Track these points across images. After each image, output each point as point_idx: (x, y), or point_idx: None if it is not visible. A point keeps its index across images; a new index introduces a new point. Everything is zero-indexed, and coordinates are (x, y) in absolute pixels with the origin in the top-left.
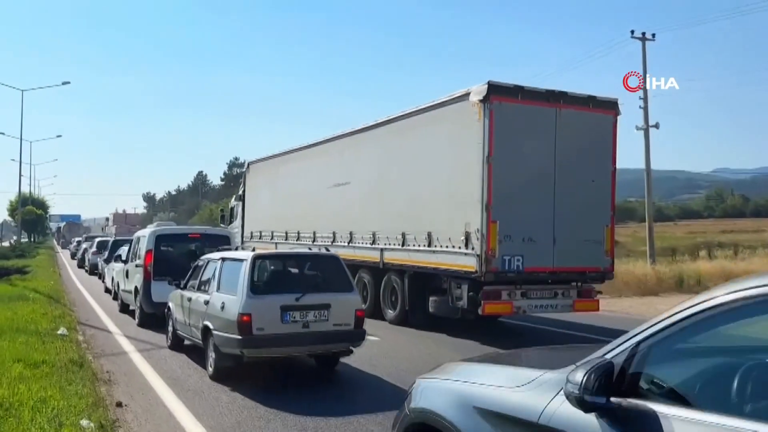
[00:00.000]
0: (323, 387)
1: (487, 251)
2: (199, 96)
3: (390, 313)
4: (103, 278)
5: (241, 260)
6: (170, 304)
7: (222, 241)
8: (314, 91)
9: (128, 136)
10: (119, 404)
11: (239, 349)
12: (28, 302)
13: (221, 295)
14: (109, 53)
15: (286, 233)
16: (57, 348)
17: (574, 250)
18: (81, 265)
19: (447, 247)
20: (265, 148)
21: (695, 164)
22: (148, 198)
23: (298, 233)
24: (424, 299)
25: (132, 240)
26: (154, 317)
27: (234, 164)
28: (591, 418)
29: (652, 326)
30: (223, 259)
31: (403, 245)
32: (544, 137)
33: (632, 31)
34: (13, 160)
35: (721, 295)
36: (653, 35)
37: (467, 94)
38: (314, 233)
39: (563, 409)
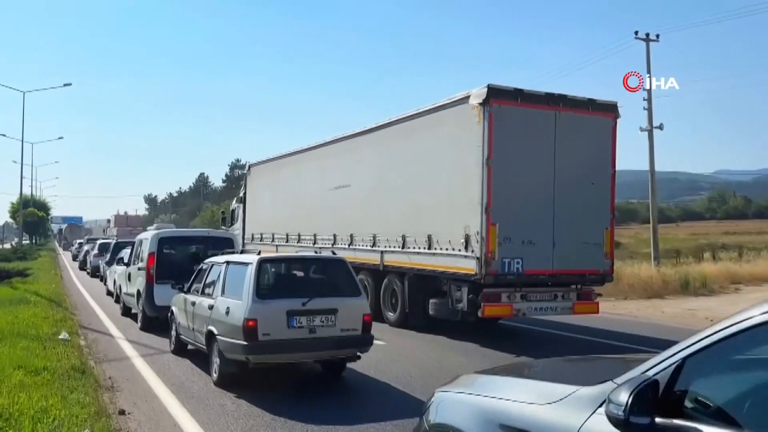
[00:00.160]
0: (330, 393)
1: (487, 254)
2: (200, 98)
3: (390, 316)
4: (105, 281)
5: (247, 264)
6: (173, 308)
7: (225, 244)
8: (315, 93)
9: (130, 138)
10: (122, 412)
11: (244, 355)
12: (30, 306)
13: (226, 299)
14: (111, 55)
15: (287, 235)
16: (58, 354)
17: (574, 252)
18: (83, 267)
19: (447, 249)
20: (266, 149)
21: (697, 165)
22: (150, 200)
23: (299, 235)
24: (424, 302)
25: (134, 242)
26: (157, 321)
27: (235, 166)
28: None
29: (697, 342)
30: (228, 263)
31: (403, 248)
32: (543, 140)
33: (636, 32)
34: (14, 162)
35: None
36: (657, 36)
37: (467, 97)
38: (315, 235)
39: (601, 429)
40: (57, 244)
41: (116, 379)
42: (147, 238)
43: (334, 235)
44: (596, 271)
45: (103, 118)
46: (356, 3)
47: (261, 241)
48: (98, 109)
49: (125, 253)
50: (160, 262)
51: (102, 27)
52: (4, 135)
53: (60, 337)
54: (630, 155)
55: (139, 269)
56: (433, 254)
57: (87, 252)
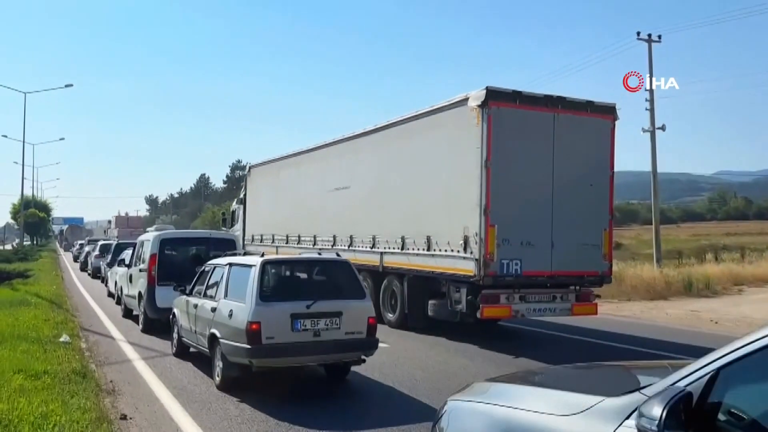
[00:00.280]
0: (334, 397)
1: (486, 255)
2: (201, 99)
3: (389, 317)
4: (106, 282)
5: (250, 266)
6: (175, 311)
7: (228, 246)
8: (317, 94)
9: (131, 139)
10: (124, 417)
11: (248, 358)
12: (30, 308)
13: (229, 301)
14: (112, 56)
15: (287, 237)
16: (59, 357)
17: (573, 254)
18: (84, 269)
19: (446, 250)
20: (267, 150)
21: (697, 166)
22: (151, 201)
23: (299, 237)
24: (423, 303)
25: (135, 244)
26: (159, 323)
27: (236, 167)
28: None
29: (732, 351)
30: (231, 265)
31: (402, 249)
32: (542, 142)
33: (638, 33)
34: (15, 162)
35: None
36: (659, 37)
37: (466, 99)
38: (315, 237)
39: None
40: (58, 245)
41: (117, 382)
42: (148, 239)
43: (334, 237)
44: (595, 272)
45: (104, 118)
46: (357, 4)
47: (261, 242)
48: (99, 109)
49: (126, 255)
50: (161, 263)
51: (103, 28)
52: (6, 136)
53: (61, 339)
54: (630, 156)
55: (140, 271)
56: (432, 255)
57: (88, 253)
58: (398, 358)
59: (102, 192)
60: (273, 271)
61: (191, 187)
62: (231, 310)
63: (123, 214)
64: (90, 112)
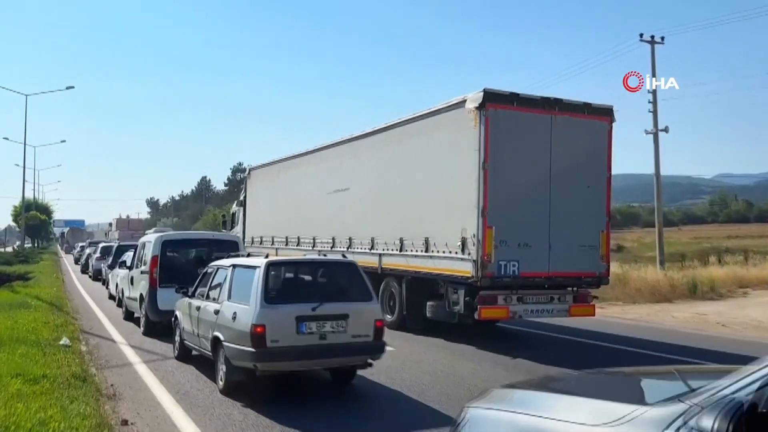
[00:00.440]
0: (340, 402)
1: (483, 256)
2: (202, 101)
3: (388, 318)
4: (107, 284)
5: (254, 267)
6: (177, 313)
7: (230, 247)
8: (317, 95)
9: (132, 142)
10: (125, 422)
11: (252, 362)
12: (30, 310)
13: (232, 304)
14: (113, 58)
15: (287, 238)
16: (59, 360)
17: (570, 255)
18: (84, 271)
19: (444, 252)
20: (268, 152)
21: (698, 169)
22: (152, 203)
23: (299, 238)
24: (421, 304)
25: (137, 245)
26: (160, 326)
27: (237, 169)
28: None
29: None
30: (234, 266)
31: (401, 251)
32: (539, 144)
33: (641, 35)
34: (17, 165)
35: None
36: (662, 38)
37: (463, 102)
38: (314, 238)
39: None
40: (59, 248)
41: (118, 386)
42: (150, 240)
43: (333, 238)
44: (592, 273)
45: (105, 120)
46: (358, 4)
47: (261, 244)
48: (100, 111)
49: (128, 257)
50: (163, 265)
51: (104, 30)
52: (7, 138)
53: (61, 342)
54: (631, 159)
55: (141, 273)
56: (431, 257)
57: (89, 255)
58: (404, 362)
59: (103, 194)
60: (278, 272)
61: (192, 190)
62: (235, 313)
63: (124, 217)
64: (91, 114)
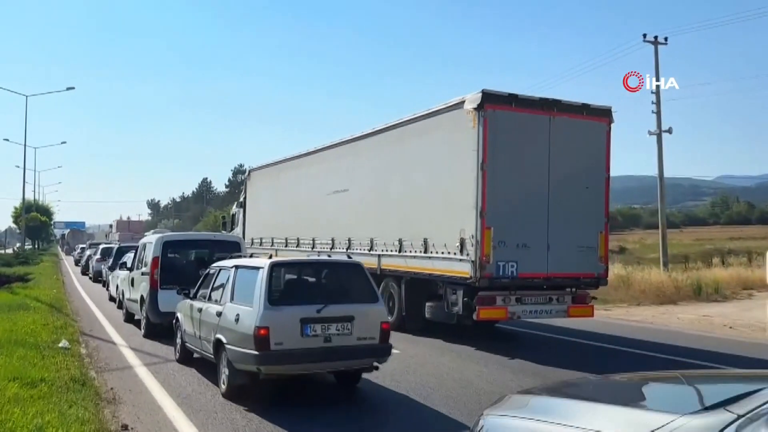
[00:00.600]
0: (346, 407)
1: (482, 257)
2: (203, 101)
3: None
4: (108, 286)
5: (257, 268)
6: (178, 315)
7: (232, 248)
8: (318, 96)
9: (133, 143)
10: (125, 427)
11: (256, 365)
12: (29, 312)
13: (235, 306)
14: (114, 59)
15: (286, 240)
16: (57, 363)
17: (568, 256)
18: (85, 272)
19: (442, 253)
20: (269, 153)
21: (699, 170)
22: (153, 205)
23: (298, 239)
24: (420, 305)
25: (137, 246)
26: (161, 328)
27: (238, 171)
28: None
29: None
30: (237, 267)
31: (400, 251)
32: (538, 144)
33: (644, 35)
34: (17, 166)
35: None
36: (666, 39)
37: (462, 102)
38: (313, 240)
39: None
40: (59, 249)
41: (118, 390)
42: (151, 242)
43: (333, 239)
44: (591, 274)
45: (106, 121)
46: (358, 4)
47: (261, 245)
48: (101, 112)
49: (128, 258)
50: (164, 266)
51: (105, 30)
52: (7, 139)
53: (60, 345)
54: (632, 160)
55: (142, 274)
56: (429, 258)
57: (89, 257)
58: (409, 365)
59: (104, 196)
60: (282, 273)
61: (193, 191)
62: (237, 315)
63: (125, 218)
64: (91, 116)
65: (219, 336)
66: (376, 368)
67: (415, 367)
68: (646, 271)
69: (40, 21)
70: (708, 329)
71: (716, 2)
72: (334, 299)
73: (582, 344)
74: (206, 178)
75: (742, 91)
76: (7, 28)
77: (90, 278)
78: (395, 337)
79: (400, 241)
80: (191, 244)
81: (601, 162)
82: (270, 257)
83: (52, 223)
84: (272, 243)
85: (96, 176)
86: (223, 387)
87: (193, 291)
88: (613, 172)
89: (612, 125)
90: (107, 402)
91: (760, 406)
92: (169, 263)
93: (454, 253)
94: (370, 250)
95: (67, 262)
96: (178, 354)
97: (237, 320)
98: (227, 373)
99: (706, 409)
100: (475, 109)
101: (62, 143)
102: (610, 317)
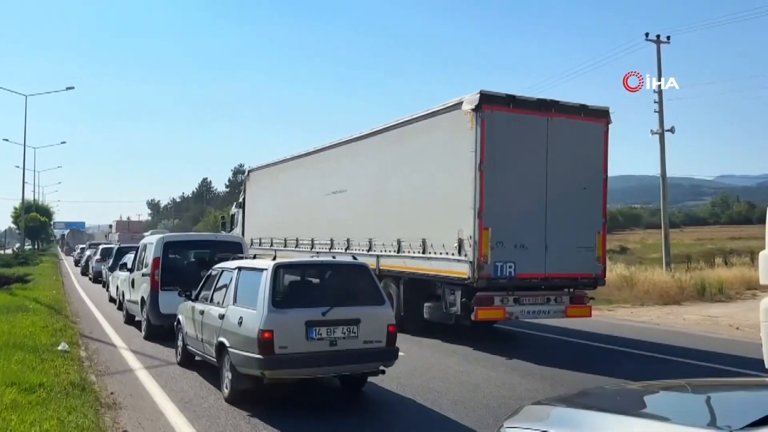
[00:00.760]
0: (352, 412)
1: (480, 258)
2: (203, 102)
3: None
4: (108, 287)
5: (261, 270)
6: (180, 317)
7: (234, 249)
8: (318, 95)
9: (133, 143)
10: None
11: (259, 369)
12: (28, 314)
13: (238, 308)
14: (114, 59)
15: (285, 240)
16: (56, 367)
17: (566, 256)
18: (84, 273)
19: (441, 253)
20: (269, 153)
21: (699, 170)
22: (153, 205)
23: (297, 240)
24: (419, 305)
25: (138, 247)
26: (162, 329)
27: (238, 171)
28: None
29: None
30: (240, 269)
31: (398, 252)
32: (535, 145)
33: (647, 34)
34: (17, 167)
35: None
36: (668, 38)
37: (460, 103)
38: (312, 240)
39: None
40: (59, 250)
41: (119, 394)
42: (151, 242)
43: (331, 240)
44: (588, 274)
45: (106, 121)
46: (359, 4)
47: (260, 245)
48: (100, 112)
49: (128, 259)
50: (165, 267)
51: (105, 30)
52: (7, 140)
53: (59, 348)
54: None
55: (143, 275)
56: (428, 258)
57: (89, 257)
58: (415, 368)
59: (104, 196)
60: (286, 275)
61: (193, 191)
62: (241, 318)
63: (124, 219)
64: (91, 115)
65: (222, 339)
66: (383, 372)
67: (420, 369)
68: (649, 271)
69: (40, 21)
70: (714, 330)
71: (716, 2)
72: (340, 301)
73: (590, 346)
74: (206, 178)
75: (742, 91)
76: (7, 28)
77: (90, 279)
78: (409, 341)
79: (399, 242)
80: (193, 244)
81: (599, 163)
82: (274, 258)
83: (51, 223)
84: (271, 243)
85: (96, 176)
86: (226, 391)
87: (194, 292)
88: (613, 172)
89: (610, 126)
90: (107, 407)
91: None
92: (171, 264)
93: (453, 254)
94: (368, 251)
95: (67, 262)
96: (179, 357)
97: (240, 323)
98: (230, 377)
99: (754, 425)
100: (473, 110)
101: (62, 143)
102: (616, 318)
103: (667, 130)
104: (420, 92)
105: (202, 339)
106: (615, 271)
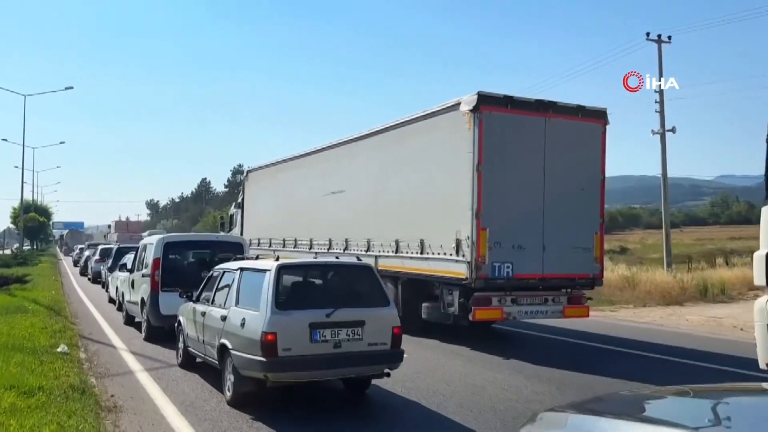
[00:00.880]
0: (356, 415)
1: (477, 258)
2: (203, 102)
3: None
4: (107, 287)
5: (264, 270)
6: (181, 318)
7: (235, 249)
8: (318, 95)
9: (132, 143)
10: None
11: (262, 372)
12: (27, 315)
13: (241, 309)
14: (114, 59)
15: (284, 240)
16: (56, 370)
17: (564, 256)
18: (83, 273)
19: (439, 254)
20: (269, 153)
21: (699, 171)
22: (152, 205)
23: (296, 240)
24: (417, 305)
25: (137, 247)
26: (162, 331)
27: (238, 171)
28: None
29: None
30: (242, 269)
31: (396, 252)
32: (533, 146)
33: (648, 33)
34: (16, 166)
35: None
36: (669, 38)
37: (458, 104)
38: (311, 240)
39: None
40: (58, 250)
41: (119, 397)
42: (152, 242)
43: (330, 240)
44: (586, 275)
45: (105, 121)
46: (360, 4)
47: (258, 245)
48: (100, 112)
49: (128, 259)
50: (165, 268)
51: (105, 30)
52: (6, 140)
53: (58, 349)
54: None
55: (143, 276)
56: (426, 259)
57: (88, 258)
58: (419, 370)
59: (103, 196)
60: (290, 276)
61: (192, 191)
62: (243, 319)
63: (123, 219)
64: (90, 116)
65: (224, 341)
66: (388, 375)
67: (425, 372)
68: (650, 271)
69: (40, 21)
70: (718, 331)
71: (716, 2)
72: (344, 303)
73: (594, 348)
74: (205, 179)
75: (742, 91)
76: (6, 28)
77: (89, 279)
78: (411, 342)
79: (397, 242)
80: (193, 245)
81: (597, 163)
82: (277, 259)
83: (50, 223)
84: (270, 243)
85: (95, 176)
86: (228, 394)
87: (195, 293)
88: (612, 172)
89: (607, 127)
90: (108, 411)
91: None
92: (171, 265)
93: (451, 254)
94: (367, 251)
95: (66, 262)
96: (180, 358)
97: (243, 325)
98: (232, 379)
99: None
100: (470, 110)
101: (61, 143)
102: (618, 319)
103: (668, 130)
104: (420, 92)
105: (203, 341)
106: (617, 271)
